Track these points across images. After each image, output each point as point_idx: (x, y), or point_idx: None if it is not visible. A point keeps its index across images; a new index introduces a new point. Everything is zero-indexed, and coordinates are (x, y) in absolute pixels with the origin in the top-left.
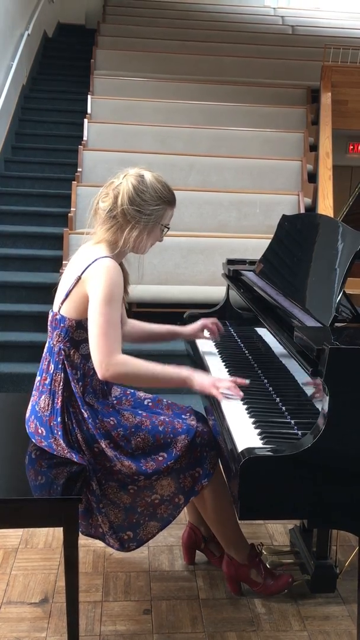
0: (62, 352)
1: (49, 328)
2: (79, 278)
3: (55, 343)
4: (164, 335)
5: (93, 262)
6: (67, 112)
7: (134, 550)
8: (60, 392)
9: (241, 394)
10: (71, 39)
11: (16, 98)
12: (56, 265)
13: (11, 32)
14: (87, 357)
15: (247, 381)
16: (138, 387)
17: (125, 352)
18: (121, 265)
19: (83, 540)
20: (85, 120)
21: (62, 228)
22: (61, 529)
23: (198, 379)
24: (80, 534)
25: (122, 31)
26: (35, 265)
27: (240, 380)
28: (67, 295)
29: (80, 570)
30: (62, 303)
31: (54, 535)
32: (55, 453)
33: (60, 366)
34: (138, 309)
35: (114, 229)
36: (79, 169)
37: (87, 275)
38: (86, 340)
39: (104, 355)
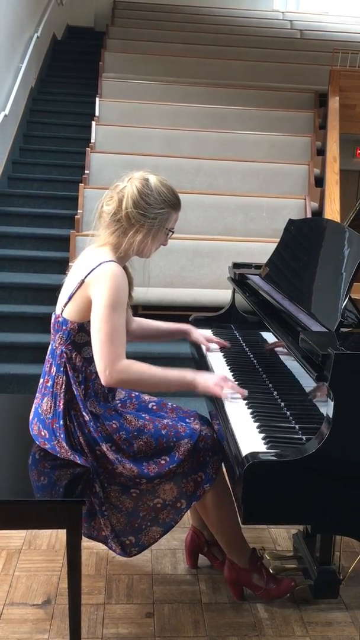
0: (64, 354)
1: (51, 330)
2: (83, 281)
3: (57, 345)
4: (172, 332)
5: (97, 266)
6: (75, 114)
7: (136, 555)
8: (62, 394)
9: (245, 392)
10: (80, 41)
11: (25, 100)
12: (62, 267)
13: (20, 35)
14: (89, 360)
15: (245, 392)
16: (142, 391)
17: (129, 354)
18: (125, 269)
19: (86, 542)
20: (93, 123)
21: (68, 230)
22: (64, 530)
23: (201, 381)
24: (82, 536)
25: (130, 34)
26: (41, 267)
27: (239, 389)
28: (70, 298)
29: (83, 573)
30: (64, 306)
31: (57, 537)
32: (58, 455)
33: (62, 369)
34: (143, 312)
35: (117, 232)
36: (86, 171)
37: (91, 279)
38: (88, 344)
39: (108, 362)
